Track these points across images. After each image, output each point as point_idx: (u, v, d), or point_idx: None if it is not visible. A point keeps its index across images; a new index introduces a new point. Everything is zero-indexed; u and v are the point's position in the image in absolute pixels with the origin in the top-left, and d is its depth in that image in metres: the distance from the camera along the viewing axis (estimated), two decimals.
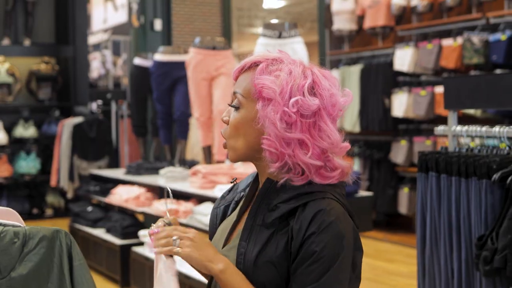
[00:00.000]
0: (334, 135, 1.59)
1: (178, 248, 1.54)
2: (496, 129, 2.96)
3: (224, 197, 1.80)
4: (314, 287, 1.51)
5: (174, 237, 1.55)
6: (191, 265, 1.59)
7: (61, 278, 1.56)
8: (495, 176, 2.76)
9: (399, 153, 7.75)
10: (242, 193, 1.75)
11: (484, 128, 3.02)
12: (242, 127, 1.63)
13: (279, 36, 5.16)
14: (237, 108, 1.64)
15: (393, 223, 8.25)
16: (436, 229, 3.10)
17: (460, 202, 2.96)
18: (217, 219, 1.77)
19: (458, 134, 3.13)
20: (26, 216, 9.54)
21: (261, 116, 1.58)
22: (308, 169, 1.57)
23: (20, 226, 1.62)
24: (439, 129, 3.21)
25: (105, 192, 6.72)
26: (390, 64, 7.82)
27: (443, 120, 6.92)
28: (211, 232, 1.79)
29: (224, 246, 1.67)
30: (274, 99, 1.57)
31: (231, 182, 1.82)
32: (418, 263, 3.22)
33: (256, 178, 1.73)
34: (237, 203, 1.75)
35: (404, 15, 7.98)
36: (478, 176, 2.86)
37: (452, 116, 3.17)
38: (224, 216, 1.76)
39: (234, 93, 1.66)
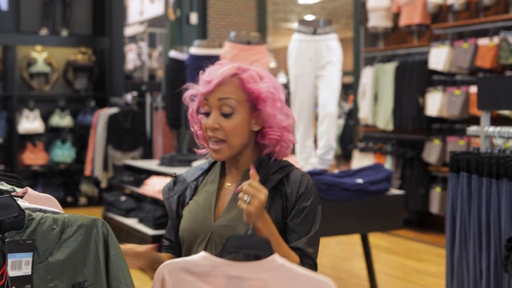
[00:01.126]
0: (291, 115, 2.09)
1: (244, 205, 1.84)
2: None
3: (172, 189, 2.16)
4: (313, 233, 1.98)
5: (245, 197, 1.84)
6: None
7: (96, 266, 1.61)
8: None
9: (432, 152, 7.72)
10: (195, 182, 2.14)
11: None
12: (240, 128, 2.01)
13: (314, 33, 5.18)
14: (230, 114, 1.99)
15: (425, 222, 8.22)
16: (466, 229, 3.10)
17: (491, 202, 2.96)
18: (173, 205, 2.13)
19: (490, 135, 3.13)
20: (60, 204, 9.64)
21: (265, 115, 2.00)
22: (291, 145, 2.07)
23: (59, 213, 1.67)
24: (472, 129, 3.21)
25: (139, 183, 6.81)
26: (425, 62, 7.78)
27: (477, 121, 6.88)
28: (173, 215, 2.12)
29: (215, 221, 2.03)
30: (272, 98, 2.00)
31: (173, 177, 2.18)
32: (446, 262, 3.23)
33: (222, 166, 2.13)
34: (195, 189, 2.12)
35: (440, 14, 7.93)
36: (509, 177, 2.86)
37: (485, 117, 3.17)
38: (179, 203, 2.12)
39: (223, 100, 1.99)
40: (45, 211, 1.68)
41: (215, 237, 2.02)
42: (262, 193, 1.84)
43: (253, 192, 1.83)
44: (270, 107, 2.00)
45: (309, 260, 1.97)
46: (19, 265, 1.54)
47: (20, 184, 2.47)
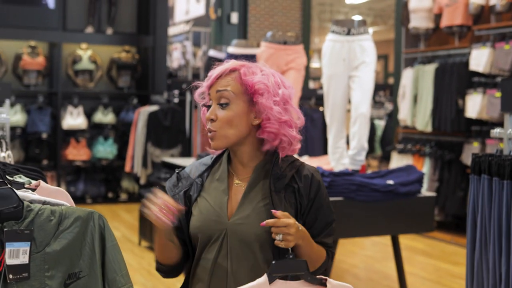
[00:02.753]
0: (300, 115, 2.13)
1: (281, 243, 1.95)
2: None
3: (177, 185, 2.18)
4: (331, 224, 2.14)
5: (277, 236, 1.95)
6: None
7: (92, 257, 1.66)
8: None
9: (471, 155, 7.61)
10: (201, 178, 2.16)
11: None
12: (235, 120, 2.06)
13: (348, 33, 5.17)
14: (226, 105, 2.06)
15: (462, 225, 8.12)
16: (486, 232, 3.07)
17: (511, 206, 2.92)
18: (181, 202, 2.13)
19: None
20: (102, 199, 9.88)
21: (261, 107, 2.05)
22: (295, 142, 2.10)
23: (58, 206, 1.73)
24: (495, 131, 3.18)
25: None
26: (466, 64, 7.68)
27: None
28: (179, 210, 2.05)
29: (229, 219, 2.06)
30: (267, 91, 2.05)
31: (177, 173, 2.20)
32: (467, 265, 3.19)
33: (227, 160, 2.17)
34: (201, 186, 2.15)
35: (482, 15, 7.82)
36: None
37: (508, 119, 3.13)
38: (186, 198, 2.14)
39: (220, 92, 2.06)
40: (48, 203, 1.74)
41: (229, 235, 2.05)
42: (291, 226, 1.95)
43: (282, 230, 1.94)
44: (265, 99, 2.04)
45: (331, 250, 2.17)
46: (17, 254, 1.60)
47: (41, 177, 2.55)
